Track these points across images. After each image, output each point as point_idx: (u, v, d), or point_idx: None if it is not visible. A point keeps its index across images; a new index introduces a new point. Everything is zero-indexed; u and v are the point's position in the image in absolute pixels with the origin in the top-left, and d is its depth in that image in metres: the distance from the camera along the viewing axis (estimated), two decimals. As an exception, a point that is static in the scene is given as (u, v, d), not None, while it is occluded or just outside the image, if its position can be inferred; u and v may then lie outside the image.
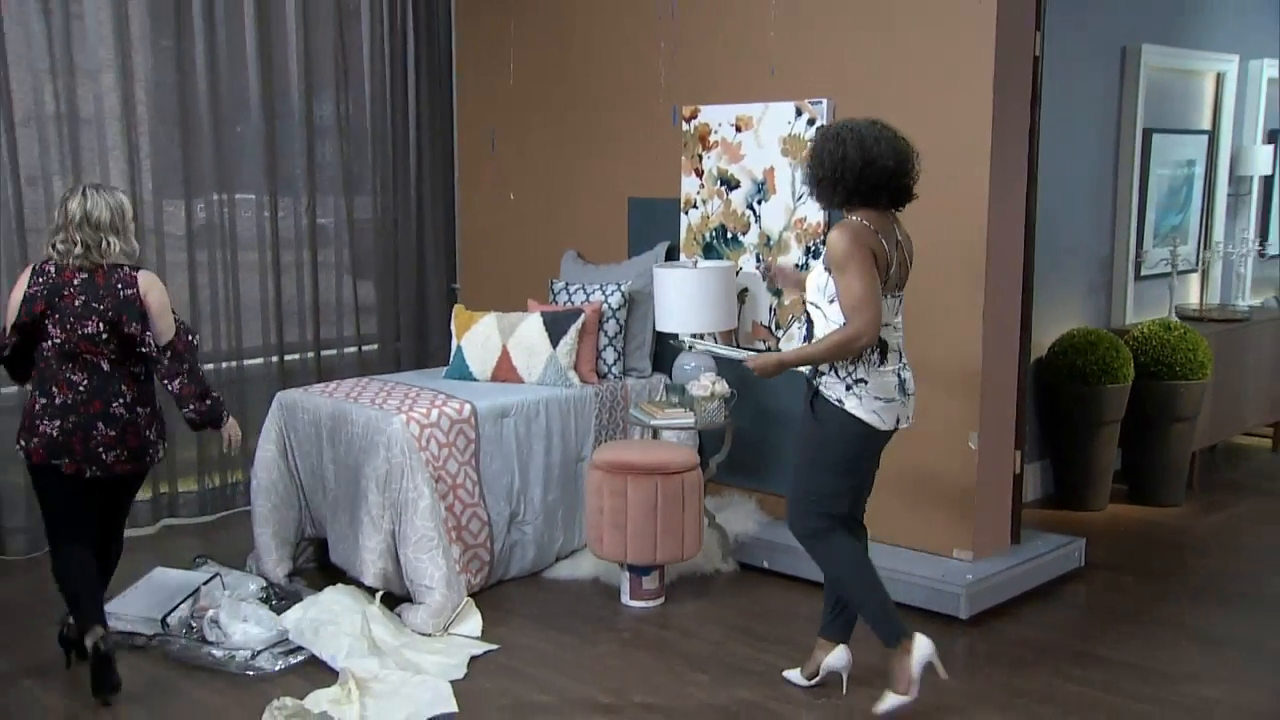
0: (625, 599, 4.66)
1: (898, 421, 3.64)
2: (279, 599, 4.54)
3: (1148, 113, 6.51)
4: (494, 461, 4.81)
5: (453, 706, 3.76)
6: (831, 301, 3.53)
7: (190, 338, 4.02)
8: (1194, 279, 7.20)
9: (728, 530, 5.06)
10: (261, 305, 5.98)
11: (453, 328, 5.36)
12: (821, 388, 3.58)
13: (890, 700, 3.60)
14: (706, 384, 4.85)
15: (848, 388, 3.54)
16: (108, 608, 4.07)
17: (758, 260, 5.23)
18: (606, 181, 5.83)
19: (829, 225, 4.74)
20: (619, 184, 5.78)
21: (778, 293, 5.18)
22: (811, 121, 4.91)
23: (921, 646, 3.57)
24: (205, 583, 4.46)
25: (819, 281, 3.59)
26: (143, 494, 5.56)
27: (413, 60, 6.43)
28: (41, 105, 5.17)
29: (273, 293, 6.01)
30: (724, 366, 5.04)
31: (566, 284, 5.58)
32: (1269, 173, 7.53)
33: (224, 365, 5.86)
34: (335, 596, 4.36)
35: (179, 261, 5.70)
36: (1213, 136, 7.19)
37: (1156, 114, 6.61)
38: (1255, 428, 7.08)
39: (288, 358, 6.11)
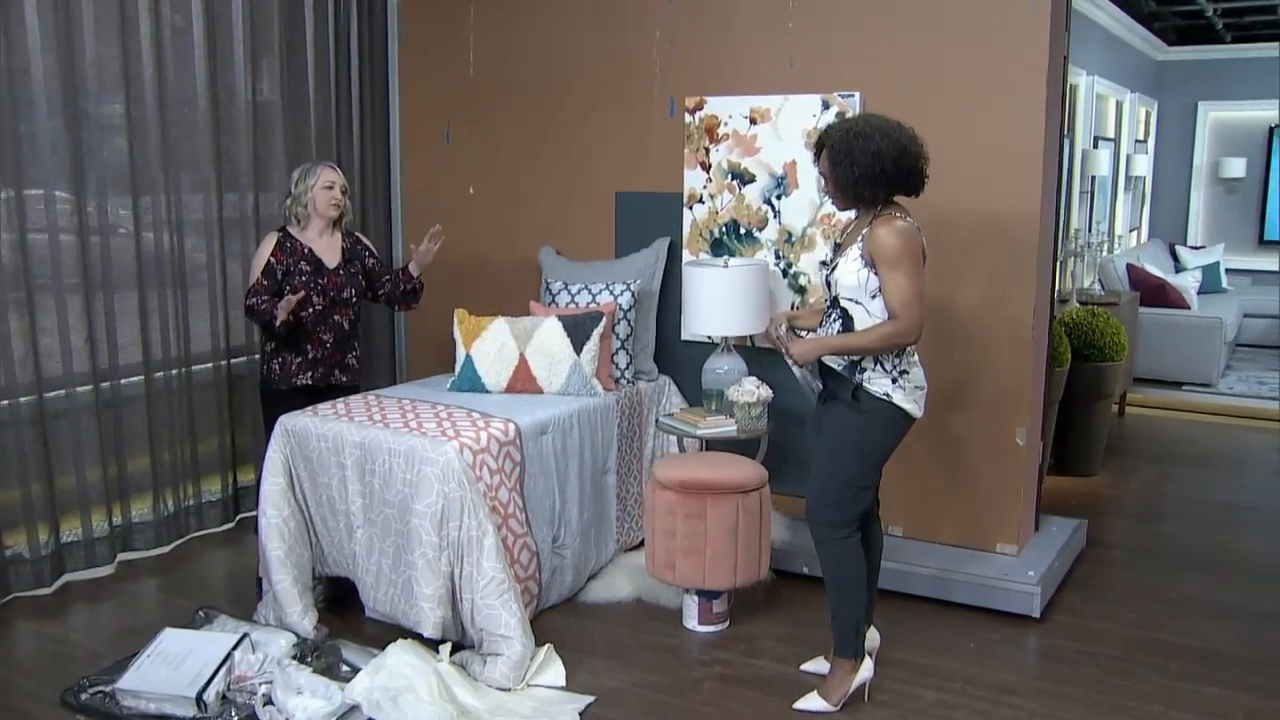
0: (692, 624, 3.71)
1: (923, 409, 3.17)
2: (314, 655, 3.34)
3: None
4: (537, 484, 3.75)
5: (603, 791, 2.76)
6: (874, 297, 3.01)
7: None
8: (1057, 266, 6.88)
9: (764, 537, 4.18)
10: (210, 305, 4.62)
11: (456, 335, 4.19)
12: (866, 383, 3.05)
13: (816, 703, 3.18)
14: (751, 389, 3.96)
15: (894, 380, 3.05)
16: (118, 684, 3.11)
17: (777, 257, 4.36)
18: (587, 176, 4.76)
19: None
20: (603, 178, 4.73)
21: (801, 290, 4.32)
22: (841, 115, 4.07)
23: (866, 670, 3.22)
24: (235, 645, 3.21)
25: (860, 277, 3.01)
26: (97, 524, 4.19)
27: (355, 52, 5.13)
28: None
29: (220, 291, 4.64)
30: (756, 367, 4.17)
31: (565, 283, 4.52)
32: (1106, 174, 7.34)
33: (173, 373, 4.45)
34: (402, 656, 3.20)
35: (126, 248, 4.27)
36: (1071, 140, 6.88)
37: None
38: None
39: (234, 361, 4.74)
